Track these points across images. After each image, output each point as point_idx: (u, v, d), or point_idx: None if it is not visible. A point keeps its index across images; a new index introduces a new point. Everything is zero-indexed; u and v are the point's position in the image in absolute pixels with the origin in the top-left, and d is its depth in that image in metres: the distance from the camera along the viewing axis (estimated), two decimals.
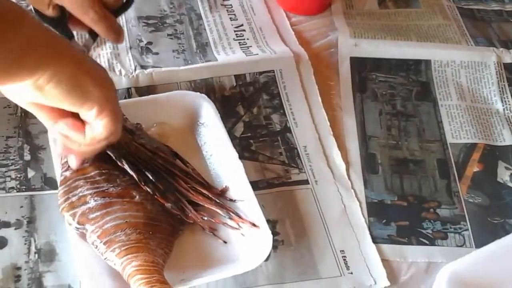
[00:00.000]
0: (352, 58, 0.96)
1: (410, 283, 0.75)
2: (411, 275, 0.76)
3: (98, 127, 0.64)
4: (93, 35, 0.79)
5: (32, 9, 0.77)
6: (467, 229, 0.80)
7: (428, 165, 0.86)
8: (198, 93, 0.84)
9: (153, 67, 0.92)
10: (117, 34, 0.78)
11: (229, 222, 0.74)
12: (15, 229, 0.75)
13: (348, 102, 0.91)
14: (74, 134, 0.66)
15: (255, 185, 0.79)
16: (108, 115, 0.63)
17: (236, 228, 0.74)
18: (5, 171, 0.79)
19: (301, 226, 0.78)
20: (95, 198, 0.71)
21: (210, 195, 0.75)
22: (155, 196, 0.72)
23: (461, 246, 0.79)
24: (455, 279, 0.69)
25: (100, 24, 0.75)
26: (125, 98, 0.87)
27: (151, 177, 0.73)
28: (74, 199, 0.71)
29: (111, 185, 0.71)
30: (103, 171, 0.72)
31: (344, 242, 0.77)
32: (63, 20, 0.76)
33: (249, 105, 0.89)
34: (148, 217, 0.71)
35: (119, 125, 0.65)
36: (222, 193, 0.77)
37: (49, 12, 0.75)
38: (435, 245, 0.78)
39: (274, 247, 0.75)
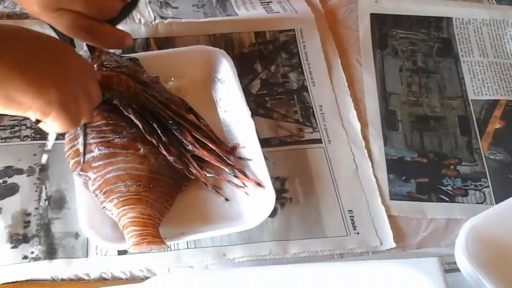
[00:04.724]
0: (372, 15, 0.89)
1: (430, 239, 0.71)
2: (431, 231, 0.71)
3: (51, 126, 0.60)
4: (91, 48, 0.70)
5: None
6: (487, 186, 0.75)
7: (449, 122, 0.80)
8: (218, 48, 0.78)
9: (172, 18, 0.85)
10: (119, 42, 0.68)
11: (234, 180, 0.69)
12: (27, 176, 0.71)
13: (368, 58, 0.84)
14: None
15: (267, 142, 0.74)
16: (55, 117, 0.58)
17: (241, 187, 0.69)
18: (21, 119, 0.74)
19: (311, 184, 0.73)
20: (100, 148, 0.66)
21: (218, 151, 0.70)
22: (159, 148, 0.67)
23: (481, 203, 0.73)
24: (476, 233, 0.65)
25: (94, 42, 0.67)
26: (143, 48, 0.81)
27: (157, 128, 0.68)
28: (79, 146, 0.67)
29: (117, 136, 0.67)
30: (110, 121, 0.68)
31: (353, 202, 0.72)
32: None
33: (267, 63, 0.82)
34: (150, 171, 0.66)
35: (72, 120, 0.59)
36: (232, 150, 0.71)
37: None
38: (455, 202, 0.73)
39: (282, 204, 0.71)
